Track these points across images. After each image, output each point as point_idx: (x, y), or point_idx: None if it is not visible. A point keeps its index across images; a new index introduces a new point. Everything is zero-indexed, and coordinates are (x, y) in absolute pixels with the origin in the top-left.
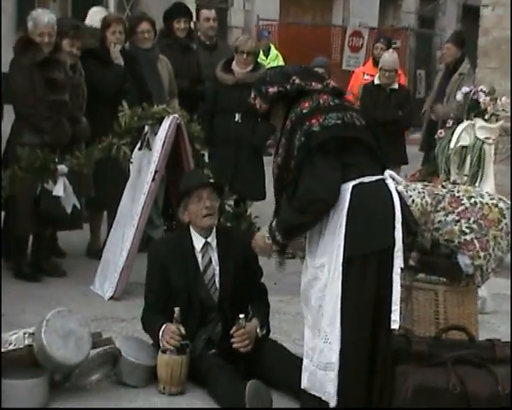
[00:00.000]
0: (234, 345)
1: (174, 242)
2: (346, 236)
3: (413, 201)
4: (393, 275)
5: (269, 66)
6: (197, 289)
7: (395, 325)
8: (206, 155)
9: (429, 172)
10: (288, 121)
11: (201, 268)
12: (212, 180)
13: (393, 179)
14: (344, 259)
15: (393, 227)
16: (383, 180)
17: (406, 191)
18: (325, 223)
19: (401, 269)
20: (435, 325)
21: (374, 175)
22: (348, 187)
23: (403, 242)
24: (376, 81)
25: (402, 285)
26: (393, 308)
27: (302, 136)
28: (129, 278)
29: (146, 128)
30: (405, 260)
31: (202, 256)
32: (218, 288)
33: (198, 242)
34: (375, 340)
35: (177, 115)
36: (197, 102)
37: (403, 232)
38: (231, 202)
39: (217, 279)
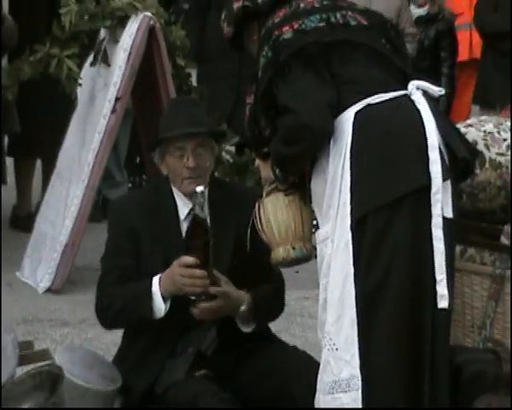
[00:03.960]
0: (197, 307)
1: (148, 200)
2: (351, 185)
3: (509, 147)
4: (433, 229)
5: None
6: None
7: (443, 303)
8: (195, 75)
9: None
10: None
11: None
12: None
13: (425, 92)
14: (352, 220)
15: (427, 159)
16: (406, 96)
17: (498, 132)
18: (326, 169)
19: (445, 219)
20: None
21: (387, 91)
22: (349, 115)
23: (447, 178)
24: None
25: (486, 273)
26: (438, 278)
27: (269, 50)
28: (75, 260)
29: (102, 33)
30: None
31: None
32: None
33: (182, 206)
34: (416, 339)
35: (149, 14)
36: None
37: (444, 164)
38: (232, 148)
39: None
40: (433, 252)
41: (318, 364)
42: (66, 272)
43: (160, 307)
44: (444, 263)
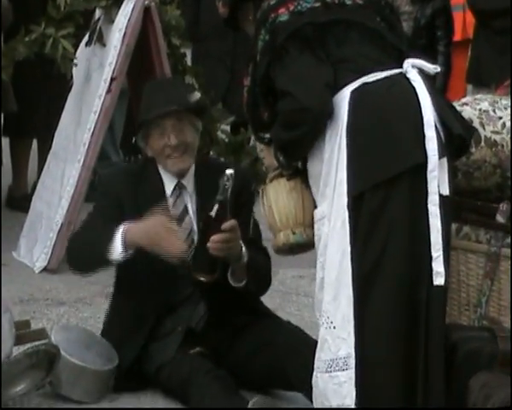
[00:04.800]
0: (210, 241)
1: (137, 175)
2: (348, 164)
3: (504, 125)
4: (429, 206)
5: None
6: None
7: (439, 280)
8: (189, 55)
9: None
10: (255, 23)
11: (174, 219)
12: (194, 96)
13: (421, 70)
14: (349, 198)
15: (423, 137)
16: (402, 75)
17: (493, 110)
18: (322, 149)
19: (441, 197)
20: None
21: (383, 70)
22: (345, 94)
23: (443, 155)
24: None
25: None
26: (434, 255)
27: (266, 33)
28: None
29: (97, 12)
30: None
31: (174, 202)
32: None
33: (168, 181)
34: (413, 314)
35: None
36: None
37: (440, 142)
38: (227, 127)
39: (195, 237)
40: (429, 229)
41: (312, 339)
42: (62, 251)
43: (117, 249)
44: (440, 240)
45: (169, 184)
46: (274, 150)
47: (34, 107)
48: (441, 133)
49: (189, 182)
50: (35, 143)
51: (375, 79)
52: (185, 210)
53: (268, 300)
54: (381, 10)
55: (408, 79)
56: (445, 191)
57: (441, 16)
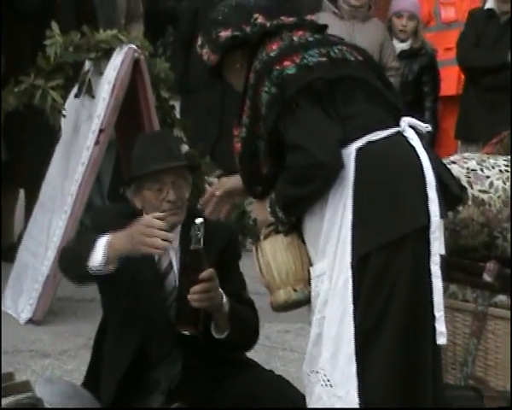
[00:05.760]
0: (190, 293)
1: (124, 216)
2: (353, 224)
3: (491, 184)
4: (431, 266)
5: None
6: (150, 305)
7: (442, 340)
8: (178, 107)
9: None
10: (252, 74)
11: (158, 275)
12: (184, 149)
13: (415, 130)
14: (353, 258)
15: (425, 198)
16: (400, 133)
17: (481, 169)
18: (324, 206)
19: (441, 257)
20: None
21: (384, 128)
22: (350, 151)
23: (442, 216)
24: (490, 5)
25: (468, 310)
26: (437, 315)
27: (272, 86)
28: (56, 291)
29: (87, 65)
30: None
31: (159, 258)
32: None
33: None
34: (415, 374)
35: (134, 46)
36: (164, 27)
37: (441, 203)
38: (215, 180)
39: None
40: (431, 289)
41: (296, 390)
42: (47, 302)
43: (98, 257)
44: (442, 300)
45: None
46: (272, 206)
47: (22, 157)
48: (439, 193)
49: (175, 237)
50: (22, 192)
51: (378, 137)
52: (170, 265)
53: (253, 354)
54: (376, 68)
55: (405, 137)
56: (442, 251)
57: (428, 72)
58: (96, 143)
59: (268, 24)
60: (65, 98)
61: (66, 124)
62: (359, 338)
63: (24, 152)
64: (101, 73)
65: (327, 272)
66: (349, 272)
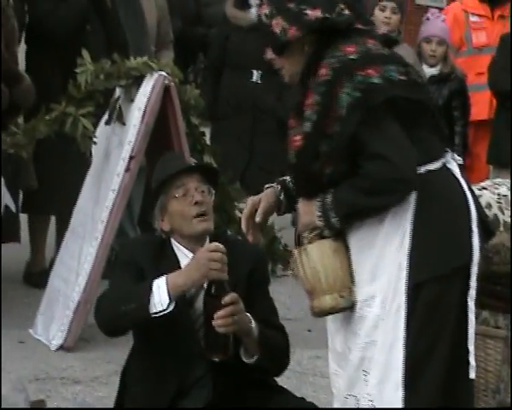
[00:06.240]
0: (214, 318)
1: (155, 246)
2: (411, 250)
3: (490, 205)
4: (468, 301)
5: None
6: (180, 329)
7: (472, 374)
8: (208, 134)
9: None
10: (327, 69)
11: (187, 299)
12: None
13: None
14: (409, 285)
15: (470, 232)
16: (446, 165)
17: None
18: (377, 230)
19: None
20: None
21: (439, 158)
22: None
23: (481, 249)
24: None
25: (500, 337)
26: (470, 349)
27: (355, 90)
28: (88, 317)
29: (117, 92)
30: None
31: None
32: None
33: (183, 259)
34: (454, 405)
35: (164, 73)
36: (195, 54)
37: (481, 238)
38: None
39: None
40: (467, 323)
41: None
42: (78, 329)
43: (160, 299)
44: (474, 334)
45: (183, 260)
46: (324, 210)
47: (53, 184)
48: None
49: None
50: (53, 219)
51: (434, 167)
52: (198, 290)
53: (284, 380)
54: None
55: (451, 170)
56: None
57: (458, 97)
58: (127, 169)
59: (352, 18)
60: (95, 125)
61: (96, 151)
62: (408, 366)
63: (55, 179)
64: (131, 100)
65: (378, 295)
66: (403, 298)
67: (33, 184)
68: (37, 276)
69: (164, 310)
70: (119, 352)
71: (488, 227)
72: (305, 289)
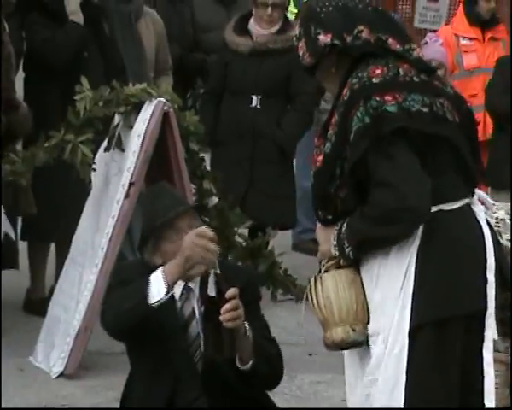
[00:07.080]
0: (222, 312)
1: (148, 269)
2: (414, 292)
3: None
4: (484, 353)
5: None
6: (175, 353)
7: None
8: (208, 160)
9: None
10: (347, 90)
11: (182, 322)
12: (213, 201)
13: (483, 204)
14: (411, 326)
15: (485, 281)
16: (469, 206)
17: (511, 219)
18: (382, 268)
19: (494, 341)
20: None
21: (458, 199)
22: None
23: (498, 300)
24: None
25: (500, 360)
26: (486, 402)
27: (366, 115)
28: (87, 344)
29: (116, 118)
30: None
31: (182, 306)
32: (203, 352)
33: (176, 287)
34: None
35: (163, 100)
36: (193, 80)
37: (497, 288)
38: (245, 231)
39: (201, 342)
40: (482, 376)
41: None
42: (79, 356)
43: (157, 289)
44: (493, 389)
45: (177, 288)
46: (339, 239)
47: (53, 211)
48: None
49: (196, 285)
50: (53, 246)
51: (450, 208)
52: (193, 313)
53: (285, 404)
54: (468, 130)
55: (473, 211)
56: (496, 336)
57: None
58: (126, 196)
59: (372, 40)
60: (95, 152)
61: (96, 178)
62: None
63: (55, 207)
64: (130, 127)
65: (381, 334)
66: (406, 340)
67: (32, 211)
68: (37, 303)
69: (163, 299)
70: (119, 378)
71: (506, 277)
72: (318, 318)
